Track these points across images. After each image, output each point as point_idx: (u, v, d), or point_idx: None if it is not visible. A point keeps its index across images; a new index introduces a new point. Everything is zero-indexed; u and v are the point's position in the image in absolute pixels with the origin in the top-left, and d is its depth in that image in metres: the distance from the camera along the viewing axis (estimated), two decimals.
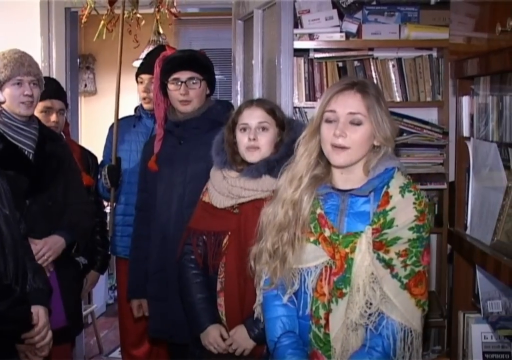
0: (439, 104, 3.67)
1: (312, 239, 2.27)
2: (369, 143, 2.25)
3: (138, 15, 4.07)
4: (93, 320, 5.61)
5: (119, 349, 5.14)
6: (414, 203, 2.20)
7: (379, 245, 2.18)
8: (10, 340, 2.38)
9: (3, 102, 2.47)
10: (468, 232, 2.52)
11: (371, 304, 2.17)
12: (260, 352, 2.70)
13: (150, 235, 3.25)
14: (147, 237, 3.26)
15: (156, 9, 4.03)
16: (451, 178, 3.26)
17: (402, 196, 2.20)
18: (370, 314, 2.17)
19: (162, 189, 3.19)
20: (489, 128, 2.39)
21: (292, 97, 3.56)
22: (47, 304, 2.51)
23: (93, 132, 6.35)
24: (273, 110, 2.77)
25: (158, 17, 4.11)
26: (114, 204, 3.97)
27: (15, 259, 2.42)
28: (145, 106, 3.97)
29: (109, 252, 3.99)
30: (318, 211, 2.28)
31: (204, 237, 2.79)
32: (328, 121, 2.26)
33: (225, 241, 2.74)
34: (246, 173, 2.72)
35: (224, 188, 2.74)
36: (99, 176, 3.89)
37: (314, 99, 3.62)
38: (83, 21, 4.00)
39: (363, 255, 2.16)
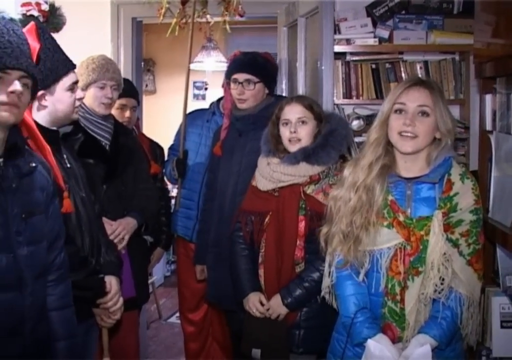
0: (461, 102, 3.62)
1: (385, 223, 2.27)
2: (432, 135, 2.26)
3: (208, 15, 3.94)
4: (153, 289, 5.67)
5: (176, 315, 5.22)
6: (472, 189, 2.26)
7: (446, 227, 2.22)
8: (88, 305, 2.45)
9: (82, 98, 2.51)
10: (489, 215, 2.49)
11: (443, 280, 2.21)
12: (293, 317, 2.74)
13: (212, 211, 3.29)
14: (211, 211, 3.30)
15: (224, 9, 3.92)
16: (472, 167, 3.23)
17: (463, 182, 2.25)
18: (442, 289, 2.21)
19: (221, 176, 3.23)
20: (510, 123, 2.38)
21: (333, 95, 3.54)
22: (118, 274, 2.56)
23: (152, 126, 6.42)
24: (310, 105, 2.78)
25: (227, 18, 3.96)
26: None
27: (90, 235, 2.47)
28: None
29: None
30: (390, 197, 2.28)
31: (252, 216, 2.82)
32: (398, 112, 2.27)
33: (266, 220, 2.77)
34: (286, 160, 2.74)
35: (267, 173, 2.77)
36: (167, 166, 3.85)
37: (350, 97, 3.60)
38: (160, 20, 3.90)
39: (437, 237, 2.20)
